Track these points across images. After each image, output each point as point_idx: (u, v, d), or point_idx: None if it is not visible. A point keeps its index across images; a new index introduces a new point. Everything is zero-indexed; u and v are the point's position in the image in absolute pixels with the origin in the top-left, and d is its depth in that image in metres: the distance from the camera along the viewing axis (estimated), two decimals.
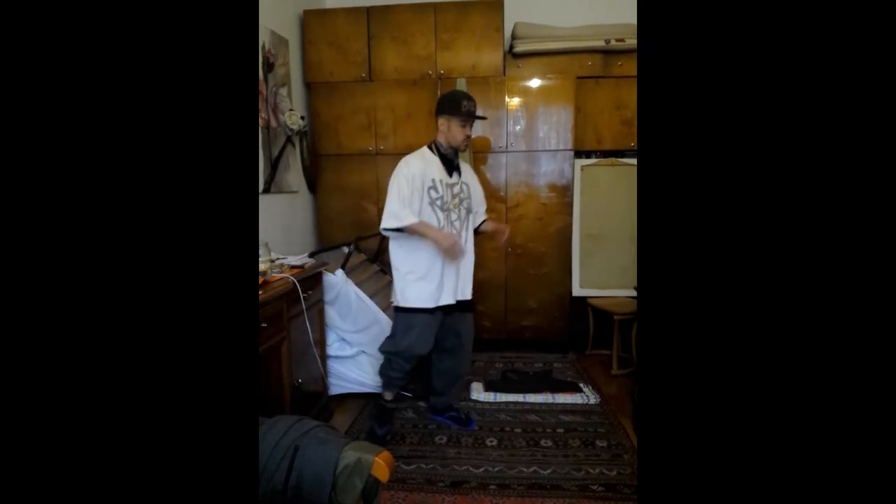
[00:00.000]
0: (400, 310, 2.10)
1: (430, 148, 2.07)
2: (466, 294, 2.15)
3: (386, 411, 2.23)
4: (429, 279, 2.03)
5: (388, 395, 2.24)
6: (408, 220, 1.93)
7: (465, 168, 2.17)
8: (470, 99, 2.01)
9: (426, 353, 2.12)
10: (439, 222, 2.01)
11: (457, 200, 2.06)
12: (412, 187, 1.95)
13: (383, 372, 2.22)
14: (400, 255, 2.07)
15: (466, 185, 2.11)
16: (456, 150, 2.07)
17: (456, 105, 1.98)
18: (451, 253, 1.97)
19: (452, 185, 2.05)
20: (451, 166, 2.05)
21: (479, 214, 2.24)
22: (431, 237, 1.96)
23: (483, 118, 2.06)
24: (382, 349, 2.20)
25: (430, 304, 2.03)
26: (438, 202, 2.00)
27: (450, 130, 2.01)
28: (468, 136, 2.03)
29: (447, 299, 2.06)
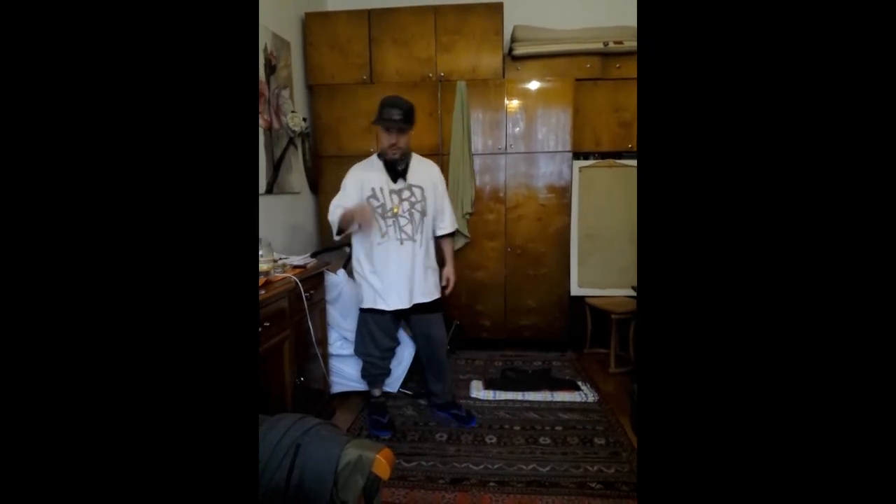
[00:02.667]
0: (360, 310, 2.23)
1: (378, 155, 2.11)
2: (424, 297, 2.15)
3: (378, 404, 2.31)
4: (381, 283, 2.11)
5: (377, 392, 2.33)
6: (332, 214, 2.01)
7: (423, 170, 2.13)
8: (394, 105, 1.98)
9: (394, 345, 2.27)
10: (381, 230, 2.06)
11: (407, 205, 2.06)
12: (350, 190, 2.05)
13: (365, 374, 2.32)
14: (356, 258, 2.18)
15: (419, 187, 2.09)
16: (402, 158, 2.06)
17: (378, 113, 2.01)
18: (360, 217, 1.95)
19: (399, 191, 2.06)
20: (395, 172, 2.06)
21: (440, 225, 2.19)
22: (349, 217, 1.95)
23: (408, 125, 2.00)
24: (356, 351, 2.31)
25: (380, 307, 2.13)
26: (379, 210, 2.05)
27: (379, 137, 2.05)
28: (393, 144, 1.99)
29: (398, 303, 2.10)
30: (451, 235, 2.27)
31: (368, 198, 2.04)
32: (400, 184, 2.08)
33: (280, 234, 2.71)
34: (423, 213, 2.10)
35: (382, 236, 2.07)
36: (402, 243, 2.07)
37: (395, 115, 1.98)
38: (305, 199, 3.11)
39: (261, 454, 1.07)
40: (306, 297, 1.99)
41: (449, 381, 2.35)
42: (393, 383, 2.49)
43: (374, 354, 2.23)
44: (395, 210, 2.05)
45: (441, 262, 2.27)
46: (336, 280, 2.39)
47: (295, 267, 2.06)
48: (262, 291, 1.68)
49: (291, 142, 2.86)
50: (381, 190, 2.05)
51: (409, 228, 2.08)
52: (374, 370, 2.27)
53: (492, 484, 1.81)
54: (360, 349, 2.27)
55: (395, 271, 2.08)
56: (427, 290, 2.17)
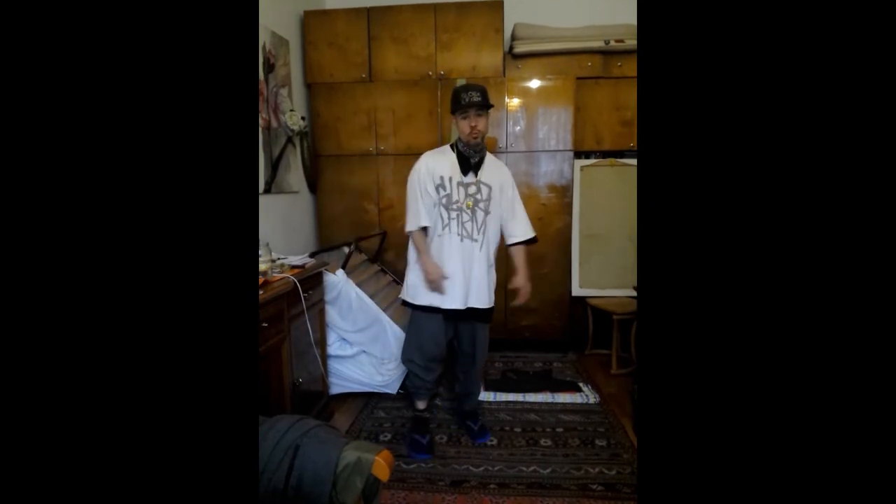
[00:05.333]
0: (406, 305, 2.10)
1: (452, 146, 2.02)
2: (479, 303, 2.01)
3: (421, 420, 2.15)
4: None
5: (420, 405, 2.18)
6: (409, 226, 1.99)
7: (494, 170, 2.02)
8: (470, 89, 1.90)
9: (439, 356, 2.08)
10: (443, 221, 1.96)
11: (471, 201, 1.94)
12: (420, 189, 1.97)
13: (408, 383, 2.19)
14: (413, 251, 2.07)
15: (487, 186, 1.97)
16: (476, 148, 1.95)
17: (455, 100, 1.92)
18: (429, 282, 1.96)
19: (467, 185, 1.95)
20: (467, 165, 1.96)
21: (512, 232, 2.04)
22: (421, 260, 1.98)
23: (488, 105, 1.90)
24: (402, 357, 2.19)
25: (435, 304, 1.99)
26: (444, 200, 1.95)
27: (458, 127, 1.94)
28: (473, 128, 1.89)
29: (453, 304, 1.97)
30: (529, 243, 2.07)
31: (437, 186, 1.94)
32: (470, 178, 1.96)
33: (278, 233, 2.70)
34: (487, 213, 1.97)
35: (444, 228, 1.96)
36: (462, 240, 1.95)
37: (475, 96, 1.88)
38: (304, 199, 3.10)
39: (259, 455, 1.06)
40: (305, 297, 1.97)
41: (475, 392, 2.22)
42: (392, 384, 2.47)
43: (416, 362, 2.08)
44: (469, 204, 1.94)
45: (513, 271, 2.11)
46: (335, 280, 2.37)
47: (293, 267, 2.04)
48: (261, 292, 1.67)
49: (290, 141, 2.84)
50: (450, 180, 1.94)
51: (469, 226, 1.96)
52: (417, 381, 2.12)
53: (492, 486, 1.79)
54: (404, 354, 2.14)
55: (452, 269, 1.95)
56: (485, 297, 2.01)
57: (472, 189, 1.96)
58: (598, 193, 3.18)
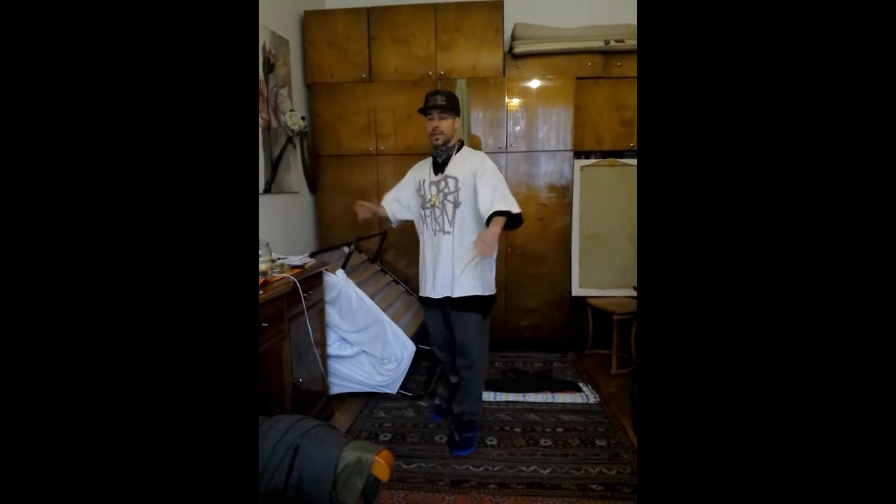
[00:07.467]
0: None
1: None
2: (452, 291, 2.03)
3: (452, 389, 2.40)
4: (420, 271, 2.20)
5: (453, 379, 2.39)
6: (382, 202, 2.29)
7: (462, 162, 2.03)
8: (437, 94, 2.02)
9: (440, 339, 2.26)
10: (422, 219, 2.15)
11: (441, 196, 2.05)
12: (406, 183, 2.22)
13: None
14: (420, 254, 2.24)
15: (454, 178, 2.02)
16: (442, 148, 2.03)
17: (424, 103, 2.04)
18: (358, 209, 2.22)
19: (437, 182, 2.07)
20: (437, 165, 2.10)
21: (480, 207, 1.93)
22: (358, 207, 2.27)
23: (451, 109, 1.99)
24: None
25: (421, 293, 2.20)
26: (421, 201, 2.14)
27: (425, 128, 2.08)
28: (435, 128, 2.01)
29: (425, 293, 2.14)
30: (502, 216, 1.87)
31: (416, 190, 2.16)
32: (439, 175, 2.08)
33: (278, 233, 2.70)
34: (456, 204, 2.02)
35: (422, 225, 2.15)
36: (435, 234, 2.07)
37: (439, 100, 2.00)
38: (304, 199, 3.10)
39: (259, 455, 1.06)
40: (305, 297, 1.97)
41: (471, 402, 2.13)
42: (392, 384, 2.47)
43: (431, 345, 2.34)
44: (433, 201, 2.07)
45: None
46: (335, 280, 2.37)
47: (293, 267, 2.04)
48: (261, 292, 1.67)
49: (290, 141, 2.84)
50: (424, 182, 2.12)
51: (441, 220, 2.04)
52: (441, 359, 2.37)
53: (492, 486, 1.79)
54: None
55: (428, 262, 2.12)
56: (460, 285, 2.03)
57: (442, 185, 2.06)
58: (598, 193, 3.18)
